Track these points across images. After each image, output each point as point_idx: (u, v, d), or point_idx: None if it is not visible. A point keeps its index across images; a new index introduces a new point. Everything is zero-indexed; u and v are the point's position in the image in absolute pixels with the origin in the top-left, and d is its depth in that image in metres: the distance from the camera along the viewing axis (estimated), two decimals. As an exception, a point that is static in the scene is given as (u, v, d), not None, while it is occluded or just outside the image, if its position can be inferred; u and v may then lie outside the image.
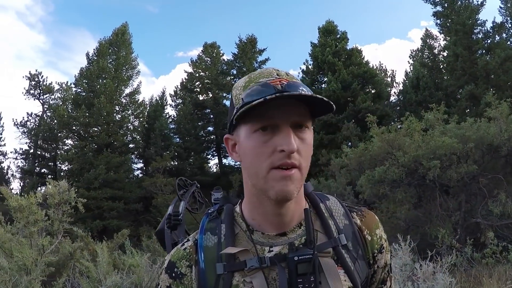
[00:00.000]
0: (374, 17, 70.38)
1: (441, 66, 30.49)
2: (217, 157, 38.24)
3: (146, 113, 39.85)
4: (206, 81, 38.06)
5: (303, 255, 1.19)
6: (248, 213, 1.32)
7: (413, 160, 12.69)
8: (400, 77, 55.27)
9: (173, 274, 1.29)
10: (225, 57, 39.15)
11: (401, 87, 35.73)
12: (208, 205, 1.90)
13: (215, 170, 39.11)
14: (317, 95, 1.12)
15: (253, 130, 1.17)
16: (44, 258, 7.72)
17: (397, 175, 12.86)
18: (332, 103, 1.16)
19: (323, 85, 31.27)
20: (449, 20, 28.98)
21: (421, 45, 34.89)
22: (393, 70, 40.44)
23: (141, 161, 39.36)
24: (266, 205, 1.25)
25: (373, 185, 13.66)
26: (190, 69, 39.10)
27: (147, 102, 41.61)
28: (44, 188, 35.43)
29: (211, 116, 37.14)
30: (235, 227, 1.31)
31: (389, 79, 40.02)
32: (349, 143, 25.41)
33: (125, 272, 8.32)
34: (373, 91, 30.72)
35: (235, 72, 37.02)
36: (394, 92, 37.97)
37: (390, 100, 35.15)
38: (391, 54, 65.93)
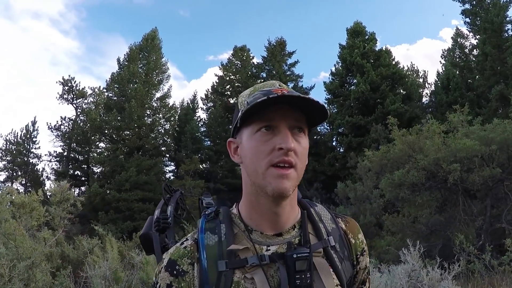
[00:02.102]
0: (404, 17, 69.38)
1: (472, 66, 29.69)
2: (248, 160, 38.24)
3: (177, 117, 40.05)
4: (236, 84, 38.06)
5: (301, 253, 1.28)
6: (246, 213, 1.39)
7: (433, 163, 12.38)
8: (432, 78, 54.32)
9: (174, 272, 1.32)
10: (255, 60, 39.15)
11: (433, 88, 35.00)
12: (190, 212, 2.09)
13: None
14: (313, 98, 1.23)
15: (255, 131, 1.28)
16: (45, 249, 7.94)
17: (417, 178, 12.58)
18: (326, 110, 1.28)
19: (352, 86, 30.88)
20: (478, 18, 28.24)
21: (452, 45, 33.93)
22: (425, 71, 39.65)
23: (173, 163, 39.70)
24: (263, 204, 1.33)
25: (393, 189, 13.41)
26: (220, 73, 39.25)
27: (178, 106, 41.85)
28: (77, 190, 36.36)
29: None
30: (233, 227, 1.38)
31: (421, 80, 39.24)
32: (379, 146, 25.05)
33: (136, 269, 8.66)
34: (403, 93, 30.21)
35: (264, 75, 36.96)
36: (426, 93, 37.28)
37: (423, 101, 34.54)
38: (423, 54, 64.84)
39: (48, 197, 11.00)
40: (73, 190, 30.88)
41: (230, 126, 1.45)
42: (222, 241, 1.33)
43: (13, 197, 9.39)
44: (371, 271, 5.73)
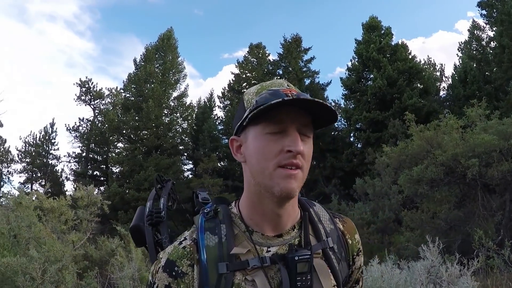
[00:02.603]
0: (419, 10, 68.59)
1: (489, 58, 29.24)
2: (266, 157, 38.15)
3: (194, 115, 40.18)
4: (253, 82, 37.83)
5: (302, 255, 1.29)
6: (247, 213, 1.38)
7: (451, 159, 12.30)
8: (449, 71, 53.87)
9: (173, 273, 1.30)
10: (270, 58, 38.98)
11: (450, 81, 34.57)
12: (180, 202, 1.98)
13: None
14: (325, 103, 1.25)
15: (264, 132, 1.27)
16: (74, 251, 8.08)
17: (435, 174, 12.50)
18: (336, 115, 1.30)
19: (369, 82, 30.72)
20: (494, 10, 27.78)
21: (468, 37, 33.38)
22: (442, 64, 39.14)
23: (191, 162, 39.79)
24: (266, 205, 1.33)
25: (412, 185, 13.35)
26: (236, 71, 39.17)
27: (195, 105, 41.98)
28: (96, 190, 36.59)
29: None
30: (234, 228, 1.36)
31: (438, 74, 38.79)
32: (397, 141, 24.87)
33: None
34: (420, 87, 29.97)
35: (281, 72, 36.79)
36: (444, 87, 36.77)
37: (440, 95, 34.20)
38: (439, 47, 64.12)
39: (72, 199, 11.13)
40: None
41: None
42: (223, 242, 1.32)
43: (38, 200, 9.57)
44: (390, 268, 5.73)
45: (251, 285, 1.28)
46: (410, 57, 30.86)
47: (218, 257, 1.29)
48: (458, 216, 12.98)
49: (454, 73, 33.30)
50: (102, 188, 36.10)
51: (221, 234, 1.34)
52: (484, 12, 29.15)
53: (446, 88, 35.81)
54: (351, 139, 32.43)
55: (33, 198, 9.42)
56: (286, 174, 1.26)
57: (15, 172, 38.89)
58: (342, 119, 33.72)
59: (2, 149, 37.08)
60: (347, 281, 1.52)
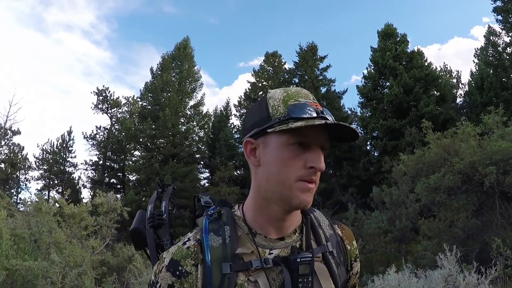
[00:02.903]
0: (433, 17, 68.11)
1: (506, 64, 28.87)
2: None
3: (211, 124, 40.31)
4: (269, 90, 37.95)
5: (304, 257, 1.32)
6: (252, 215, 1.40)
7: (469, 166, 12.20)
8: (466, 78, 53.23)
9: (177, 273, 1.31)
10: (286, 66, 39.01)
11: (467, 88, 34.23)
12: (180, 208, 2.00)
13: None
14: (355, 130, 1.29)
15: (289, 143, 1.28)
16: (93, 257, 8.16)
17: (452, 182, 12.40)
18: (357, 137, 1.34)
19: (385, 89, 30.53)
20: (510, 15, 27.45)
21: (484, 43, 32.73)
22: (458, 71, 38.76)
23: (207, 170, 39.90)
24: (272, 209, 1.36)
25: (429, 193, 13.25)
26: (253, 79, 39.28)
27: (212, 113, 42.08)
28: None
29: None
30: (237, 230, 1.38)
31: (454, 81, 38.40)
32: (413, 149, 24.67)
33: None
34: (437, 94, 29.71)
35: (297, 80, 36.72)
36: (460, 94, 36.46)
37: (457, 102, 33.89)
38: (455, 53, 63.59)
39: (92, 205, 11.31)
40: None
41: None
42: (227, 243, 1.34)
43: (58, 206, 9.73)
44: (407, 276, 5.74)
45: (253, 286, 1.30)
46: (426, 64, 30.65)
47: (222, 258, 1.31)
48: (476, 225, 12.85)
49: (471, 79, 32.89)
50: (118, 195, 36.37)
51: (225, 235, 1.35)
52: (499, 17, 28.81)
53: (462, 95, 35.57)
54: (368, 148, 32.21)
55: (53, 204, 9.56)
56: (305, 188, 1.30)
57: (32, 179, 39.34)
58: (359, 127, 33.59)
59: (20, 156, 37.43)
60: (345, 286, 1.54)
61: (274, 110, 1.32)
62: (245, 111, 39.62)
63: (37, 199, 10.76)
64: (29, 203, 10.85)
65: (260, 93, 37.78)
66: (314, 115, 1.27)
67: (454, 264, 7.80)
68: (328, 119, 1.28)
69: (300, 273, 1.31)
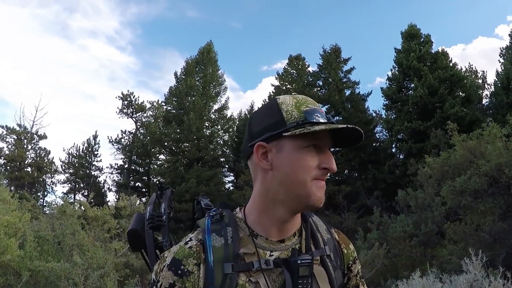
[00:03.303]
0: (457, 17, 66.60)
1: (534, 63, 28.33)
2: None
3: (235, 127, 40.33)
4: (293, 93, 37.79)
5: (304, 259, 1.36)
6: (255, 218, 1.43)
7: (495, 169, 12.03)
8: (491, 78, 52.17)
9: (179, 272, 1.32)
10: (310, 69, 38.80)
11: (493, 88, 33.55)
12: (176, 211, 1.99)
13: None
14: (360, 131, 1.35)
15: (304, 146, 1.34)
16: (116, 259, 8.25)
17: (479, 184, 12.24)
18: (361, 138, 1.39)
19: (410, 91, 30.21)
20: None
21: (510, 42, 32.19)
22: (483, 71, 37.90)
23: (232, 174, 39.99)
24: (279, 212, 1.40)
25: (455, 196, 13.09)
26: (276, 83, 39.08)
27: (236, 117, 42.13)
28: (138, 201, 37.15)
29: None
30: (239, 231, 1.40)
31: (480, 81, 37.66)
32: (439, 152, 24.32)
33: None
34: (462, 95, 29.24)
35: (321, 83, 36.60)
36: (486, 95, 35.66)
37: (483, 103, 33.33)
38: (480, 53, 62.40)
39: (115, 208, 11.47)
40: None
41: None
42: (229, 244, 1.36)
43: (82, 209, 9.89)
44: (432, 281, 5.65)
45: (254, 286, 1.32)
46: (451, 64, 30.16)
47: (224, 258, 1.33)
48: (503, 228, 12.65)
49: (496, 79, 32.15)
50: (143, 199, 36.69)
51: (227, 236, 1.37)
52: (525, 15, 28.32)
53: (488, 95, 34.82)
54: (393, 150, 31.96)
55: (77, 207, 9.72)
56: (320, 186, 1.37)
57: (58, 182, 39.94)
58: (384, 129, 33.34)
59: (46, 160, 37.95)
60: (345, 287, 1.60)
61: (289, 115, 1.36)
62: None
63: (62, 202, 10.96)
64: (54, 205, 11.01)
65: (284, 96, 37.60)
66: (325, 120, 1.35)
67: (480, 269, 7.69)
68: (336, 124, 1.34)
69: (300, 274, 1.34)
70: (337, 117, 34.22)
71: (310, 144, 1.34)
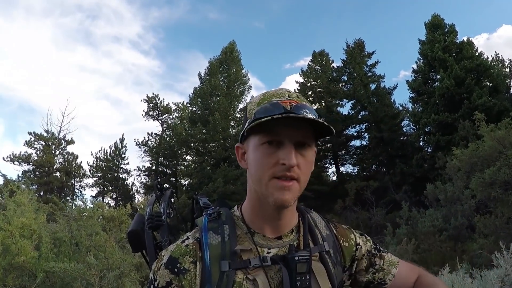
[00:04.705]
0: (479, 6, 65.41)
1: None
2: (334, 165, 37.77)
3: (261, 126, 40.35)
4: (318, 90, 37.69)
5: (302, 255, 1.35)
6: (249, 216, 1.45)
7: (525, 159, 11.78)
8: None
9: (175, 270, 1.33)
10: (334, 64, 38.59)
11: (521, 77, 32.80)
12: (179, 212, 2.15)
13: (335, 179, 38.55)
14: (319, 120, 1.29)
15: (261, 143, 1.33)
16: (133, 259, 8.30)
17: (509, 176, 11.99)
18: (331, 128, 1.33)
19: (436, 83, 29.71)
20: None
21: None
22: (510, 60, 36.97)
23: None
24: (266, 210, 1.40)
25: (484, 188, 12.83)
26: (301, 79, 39.01)
27: (262, 115, 42.11)
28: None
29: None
30: (236, 229, 1.42)
31: (507, 70, 36.77)
32: (468, 144, 23.85)
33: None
34: (489, 85, 28.55)
35: (345, 78, 36.35)
36: (514, 83, 34.78)
37: (511, 92, 32.49)
38: (505, 42, 60.85)
39: (138, 210, 11.48)
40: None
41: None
42: (226, 242, 1.36)
43: (104, 211, 9.98)
44: (462, 277, 5.40)
45: (252, 284, 1.32)
46: (476, 54, 29.51)
47: (221, 255, 1.33)
48: (535, 220, 12.37)
49: (524, 67, 31.66)
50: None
51: (224, 234, 1.38)
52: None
53: (516, 84, 34.03)
54: (421, 144, 31.40)
55: (96, 209, 9.82)
56: (280, 186, 1.31)
57: (87, 186, 40.42)
58: (411, 123, 32.92)
59: (74, 164, 38.50)
60: (358, 272, 1.62)
61: (250, 114, 1.39)
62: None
63: (90, 205, 11.10)
64: (73, 208, 11.10)
65: (309, 93, 37.55)
66: (280, 112, 1.29)
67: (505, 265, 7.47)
68: (297, 114, 1.29)
69: (298, 271, 1.33)
70: (363, 112, 34.04)
71: (265, 141, 1.32)
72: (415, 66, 32.14)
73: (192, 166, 37.18)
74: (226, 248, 1.35)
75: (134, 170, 41.16)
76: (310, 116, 1.30)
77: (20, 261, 7.37)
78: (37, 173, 35.80)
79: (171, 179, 39.96)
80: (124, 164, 41.77)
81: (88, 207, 10.48)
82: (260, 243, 1.40)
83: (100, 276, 7.33)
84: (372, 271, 1.64)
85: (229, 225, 1.41)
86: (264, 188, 1.33)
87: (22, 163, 35.33)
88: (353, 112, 35.07)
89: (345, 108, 35.96)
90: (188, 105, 40.45)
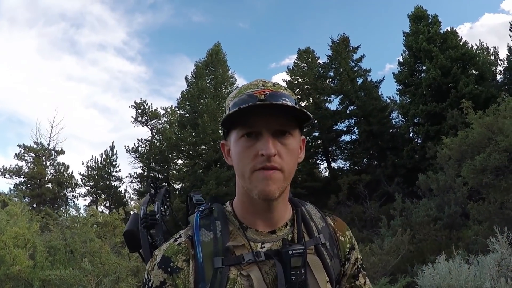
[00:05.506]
0: None
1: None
2: (325, 161, 37.83)
3: (251, 127, 40.37)
4: (305, 87, 37.70)
5: (296, 249, 1.33)
6: (240, 211, 1.44)
7: (514, 144, 11.84)
8: (504, 53, 51.25)
9: (168, 269, 1.33)
10: (320, 61, 38.62)
11: (506, 63, 32.97)
12: (174, 210, 2.14)
13: (327, 174, 38.60)
14: (288, 104, 1.27)
15: (239, 136, 1.33)
16: (129, 263, 8.30)
17: (499, 161, 12.06)
18: (307, 113, 1.29)
19: (422, 74, 29.77)
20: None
21: None
22: (495, 47, 37.06)
23: (252, 173, 40.06)
24: (256, 204, 1.39)
25: (476, 175, 12.89)
26: (288, 77, 38.91)
27: (251, 115, 42.16)
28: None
29: (315, 121, 36.63)
30: (228, 225, 1.42)
31: (492, 57, 36.89)
32: (457, 132, 23.94)
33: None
34: (475, 73, 28.64)
35: (332, 74, 36.40)
36: (500, 71, 34.67)
37: (497, 79, 32.70)
38: (488, 30, 61.22)
39: (131, 214, 11.48)
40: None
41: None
42: (218, 238, 1.35)
43: (96, 218, 9.99)
44: (458, 263, 5.46)
45: (246, 280, 1.31)
46: (461, 43, 29.55)
47: (213, 252, 1.33)
48: (528, 205, 12.44)
49: (509, 54, 31.69)
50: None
51: (216, 230, 1.38)
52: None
53: (502, 71, 34.07)
54: (410, 135, 31.47)
55: (89, 216, 9.83)
56: (262, 177, 1.29)
57: (79, 195, 40.07)
58: (399, 115, 33.02)
59: (66, 174, 38.25)
60: (342, 275, 1.57)
61: (226, 109, 1.42)
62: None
63: (84, 213, 11.10)
64: (67, 216, 11.09)
65: (297, 90, 37.56)
66: (253, 102, 1.28)
67: (507, 247, 7.51)
68: (267, 102, 1.29)
69: (292, 265, 1.32)
70: (351, 107, 34.11)
71: (243, 133, 1.32)
72: (400, 58, 32.17)
73: (184, 170, 37.03)
74: (219, 244, 1.34)
75: (126, 177, 40.99)
76: (281, 102, 1.28)
77: (16, 270, 7.38)
78: (28, 185, 35.53)
79: (164, 184, 39.70)
80: (116, 171, 41.52)
81: (81, 214, 10.47)
82: (253, 238, 1.39)
83: (97, 282, 7.32)
84: (351, 284, 1.60)
85: (221, 221, 1.40)
86: (248, 182, 1.32)
87: (13, 176, 35.04)
88: (341, 107, 35.08)
89: (333, 104, 35.94)
90: (177, 109, 40.38)
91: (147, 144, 41.45)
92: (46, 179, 36.48)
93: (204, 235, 1.36)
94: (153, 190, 2.05)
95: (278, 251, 1.36)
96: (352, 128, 35.62)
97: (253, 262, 1.33)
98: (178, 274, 1.32)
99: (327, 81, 36.77)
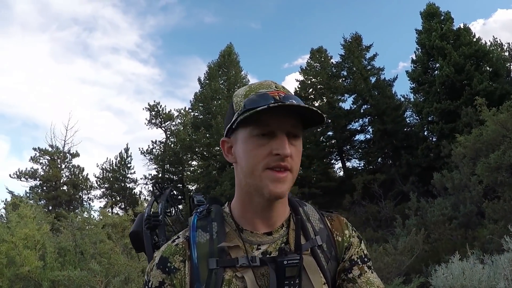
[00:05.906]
0: None
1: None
2: (340, 161, 37.67)
3: (264, 127, 40.36)
4: (319, 86, 37.64)
5: (291, 259, 1.31)
6: (239, 211, 1.45)
7: (530, 140, 11.71)
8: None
9: (166, 269, 1.36)
10: (333, 60, 38.48)
11: (521, 60, 32.51)
12: (179, 210, 2.11)
13: (341, 174, 38.41)
14: (313, 107, 1.27)
15: (252, 135, 1.32)
16: (139, 264, 8.35)
17: (514, 159, 11.93)
18: (323, 116, 1.32)
19: (436, 71, 29.46)
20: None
21: None
22: (509, 43, 36.57)
23: (266, 172, 40.04)
24: (257, 203, 1.39)
25: (491, 173, 12.76)
26: (301, 77, 38.83)
27: (266, 115, 42.17)
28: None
29: (329, 120, 36.58)
30: (225, 226, 1.43)
31: (506, 54, 36.41)
32: (471, 130, 23.71)
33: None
34: (489, 70, 28.27)
35: (345, 73, 36.23)
36: (514, 67, 34.44)
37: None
38: (501, 26, 60.46)
39: (134, 215, 11.60)
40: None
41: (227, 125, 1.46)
42: (214, 239, 1.37)
43: (106, 220, 10.05)
44: (472, 263, 5.38)
45: (241, 282, 1.32)
46: (474, 40, 29.20)
47: (208, 253, 1.34)
48: (545, 203, 12.29)
49: (523, 50, 31.44)
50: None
51: (212, 231, 1.39)
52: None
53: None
54: (425, 133, 31.21)
55: (98, 217, 9.92)
56: (274, 177, 1.31)
57: (95, 198, 40.31)
58: (414, 113, 32.79)
59: (81, 177, 38.49)
60: (335, 280, 1.52)
61: (237, 106, 1.38)
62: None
63: (96, 216, 11.18)
64: (79, 218, 11.17)
65: (310, 90, 37.51)
66: (271, 102, 1.28)
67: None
68: (295, 103, 1.28)
69: (286, 275, 1.31)
70: (365, 106, 33.94)
71: (258, 132, 1.31)
72: (413, 56, 31.91)
73: (198, 171, 37.12)
74: (214, 245, 1.35)
75: (141, 179, 41.22)
76: (303, 104, 1.29)
77: (25, 271, 7.47)
78: (44, 188, 35.80)
79: (178, 185, 39.98)
80: (131, 173, 41.69)
81: (92, 216, 10.57)
82: (249, 240, 1.39)
83: (105, 282, 7.37)
84: (343, 277, 1.51)
85: (217, 222, 1.41)
86: (258, 180, 1.32)
87: (29, 179, 35.39)
88: (355, 106, 34.89)
89: (347, 103, 35.78)
90: (190, 110, 40.56)
91: (161, 146, 41.77)
92: (61, 181, 36.78)
93: (200, 236, 1.38)
94: (157, 191, 2.07)
95: (274, 259, 1.35)
96: (366, 127, 35.44)
97: (247, 266, 1.33)
98: (175, 274, 1.34)
99: (340, 80, 36.61)
